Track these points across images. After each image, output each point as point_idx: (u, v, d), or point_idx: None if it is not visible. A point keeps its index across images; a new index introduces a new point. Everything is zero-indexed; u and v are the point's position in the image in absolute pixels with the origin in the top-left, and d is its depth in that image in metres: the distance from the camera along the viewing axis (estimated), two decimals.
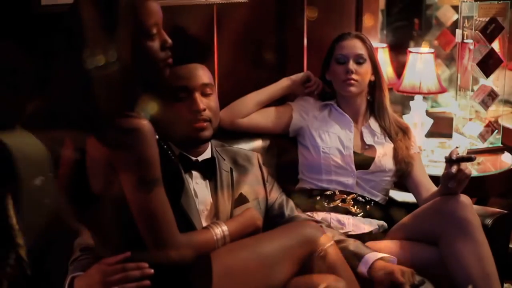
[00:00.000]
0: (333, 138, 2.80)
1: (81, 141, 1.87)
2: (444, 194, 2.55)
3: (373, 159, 2.79)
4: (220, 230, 2.03)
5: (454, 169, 2.48)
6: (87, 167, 1.87)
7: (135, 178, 1.79)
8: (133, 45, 1.81)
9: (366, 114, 2.89)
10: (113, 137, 1.76)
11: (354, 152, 2.79)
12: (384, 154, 2.80)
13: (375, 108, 2.88)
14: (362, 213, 2.73)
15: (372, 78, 2.84)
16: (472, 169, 3.20)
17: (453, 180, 2.49)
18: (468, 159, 2.51)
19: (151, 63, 1.86)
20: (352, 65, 2.78)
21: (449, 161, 2.50)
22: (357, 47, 2.81)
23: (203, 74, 2.33)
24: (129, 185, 1.80)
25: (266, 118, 2.87)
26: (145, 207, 1.81)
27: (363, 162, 2.79)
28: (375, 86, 2.86)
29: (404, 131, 2.88)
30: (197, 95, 2.30)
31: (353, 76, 2.78)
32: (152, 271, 1.86)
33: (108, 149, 1.79)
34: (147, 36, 1.83)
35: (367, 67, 2.81)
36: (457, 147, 3.30)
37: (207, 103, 2.32)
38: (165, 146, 2.00)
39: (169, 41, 1.88)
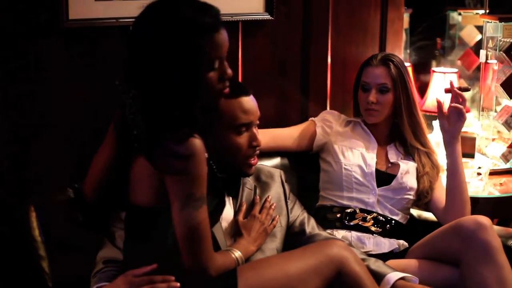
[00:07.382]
0: (356, 155, 2.80)
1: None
2: (447, 143, 2.73)
3: (395, 176, 2.78)
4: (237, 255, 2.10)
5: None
6: (130, 178, 1.89)
7: (185, 195, 1.80)
8: (193, 74, 1.81)
9: (393, 134, 2.88)
10: (167, 163, 1.77)
11: (377, 170, 2.78)
12: (407, 171, 2.79)
13: (398, 131, 2.86)
14: (382, 232, 2.72)
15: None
16: (494, 190, 3.20)
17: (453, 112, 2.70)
18: (465, 89, 2.74)
19: (207, 93, 1.85)
20: (373, 95, 2.77)
21: (447, 92, 2.75)
22: (381, 76, 2.78)
23: (257, 107, 2.30)
24: (177, 201, 1.81)
25: (288, 139, 2.87)
26: (190, 224, 1.81)
27: (385, 178, 2.78)
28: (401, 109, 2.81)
29: (433, 163, 2.84)
30: (256, 130, 2.28)
31: (374, 106, 2.78)
32: (178, 284, 1.87)
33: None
34: (208, 67, 1.83)
35: (390, 96, 2.78)
36: (479, 167, 3.29)
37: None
38: (211, 163, 1.99)
39: (229, 72, 1.88)
